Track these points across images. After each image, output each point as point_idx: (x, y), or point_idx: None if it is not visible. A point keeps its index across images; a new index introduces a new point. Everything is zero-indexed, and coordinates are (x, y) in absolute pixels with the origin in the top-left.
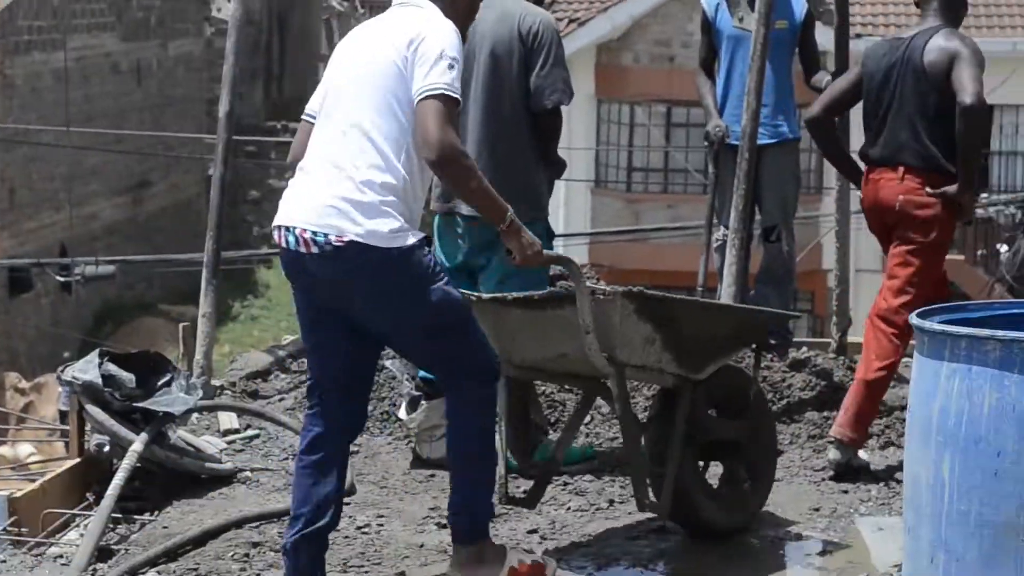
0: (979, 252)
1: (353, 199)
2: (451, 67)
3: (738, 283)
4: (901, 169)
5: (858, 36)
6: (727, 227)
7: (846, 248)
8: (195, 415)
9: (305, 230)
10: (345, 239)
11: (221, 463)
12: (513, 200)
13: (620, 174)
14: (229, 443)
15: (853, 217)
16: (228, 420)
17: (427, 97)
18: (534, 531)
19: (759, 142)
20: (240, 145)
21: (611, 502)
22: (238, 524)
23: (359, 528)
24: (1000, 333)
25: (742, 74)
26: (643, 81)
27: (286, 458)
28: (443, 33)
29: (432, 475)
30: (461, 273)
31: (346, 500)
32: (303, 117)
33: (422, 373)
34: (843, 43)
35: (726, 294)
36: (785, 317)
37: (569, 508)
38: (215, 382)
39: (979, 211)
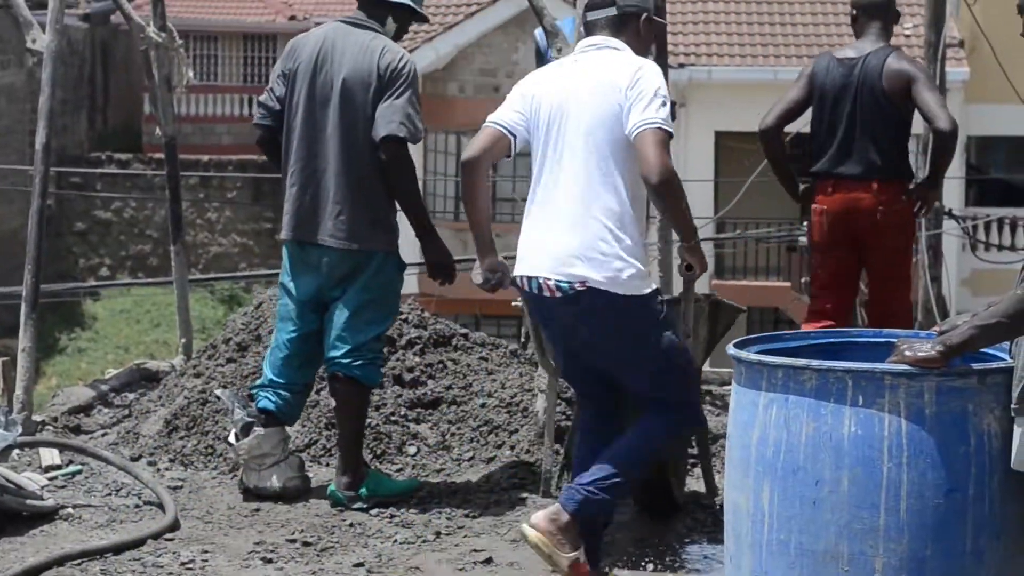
0: (803, 280)
1: (596, 247)
2: (663, 104)
3: None
4: (876, 184)
5: (681, 66)
6: None
7: (668, 277)
8: (15, 451)
9: (549, 279)
10: (587, 285)
11: (42, 500)
12: (373, 229)
13: (448, 203)
14: (51, 479)
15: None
16: (49, 456)
17: (646, 129)
18: (360, 564)
19: None
20: (64, 176)
21: (438, 534)
22: (60, 562)
23: (183, 564)
24: (816, 363)
25: None
26: (469, 111)
27: (109, 494)
28: (655, 74)
29: (257, 509)
30: (309, 304)
31: (169, 536)
32: (492, 124)
33: (261, 404)
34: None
35: None
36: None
37: (396, 540)
38: (36, 417)
39: (801, 239)
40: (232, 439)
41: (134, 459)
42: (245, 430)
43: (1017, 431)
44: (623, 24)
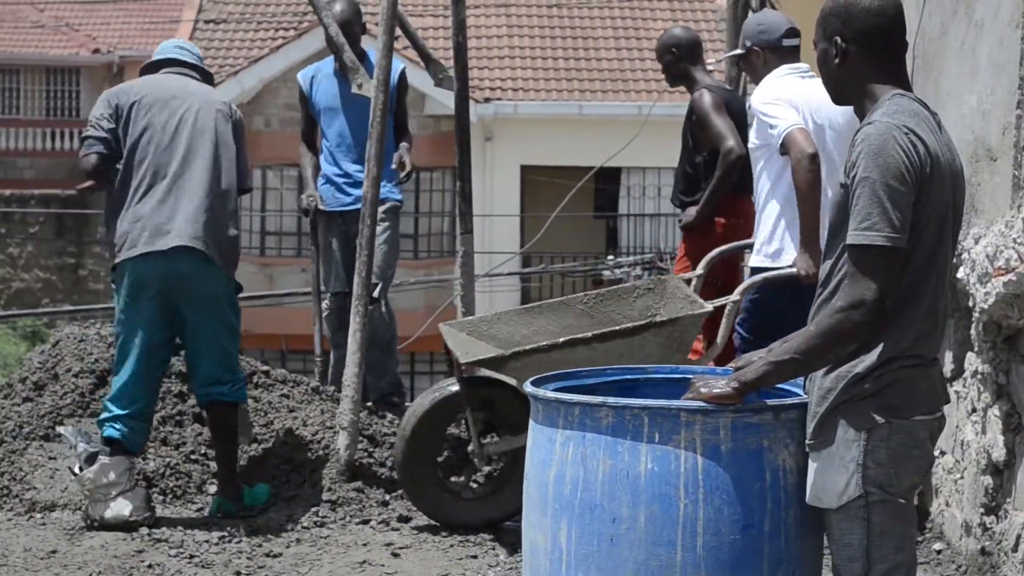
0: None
1: None
2: None
3: (362, 349)
4: None
5: (487, 100)
6: (334, 292)
7: (471, 312)
8: None
9: None
10: None
11: None
12: (230, 256)
13: (254, 239)
14: None
15: (486, 279)
16: None
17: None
18: None
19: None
20: None
21: (238, 574)
22: None
23: None
24: (612, 400)
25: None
26: (274, 144)
27: None
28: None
29: (54, 551)
30: (156, 322)
31: None
32: (796, 124)
33: (107, 433)
34: (463, 108)
35: (352, 360)
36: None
37: None
38: None
39: (606, 273)
40: (76, 470)
41: None
42: (89, 460)
43: (812, 466)
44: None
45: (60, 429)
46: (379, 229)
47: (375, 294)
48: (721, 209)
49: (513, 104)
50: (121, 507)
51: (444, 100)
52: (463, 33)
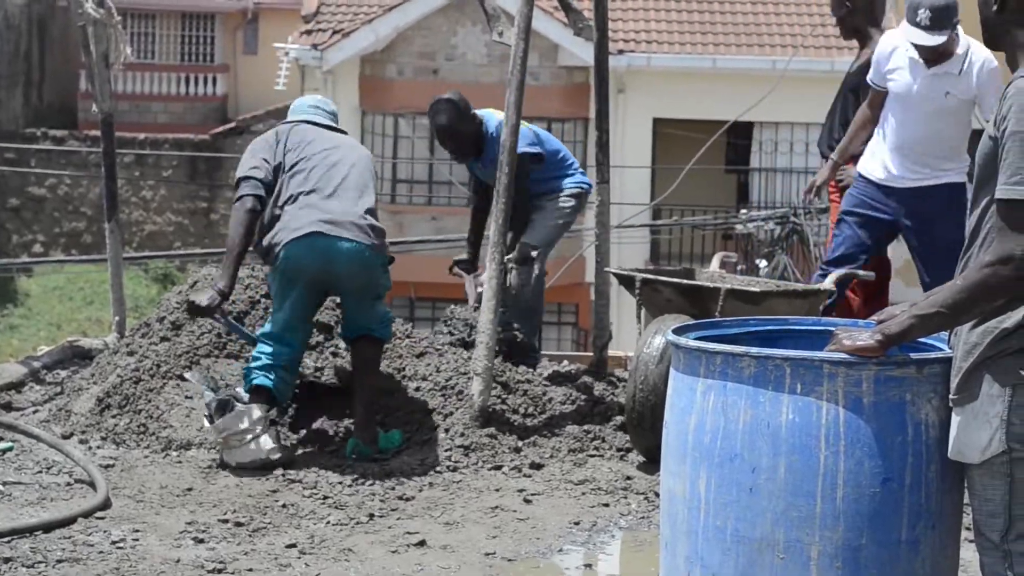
0: (739, 267)
1: None
2: None
3: (497, 297)
4: None
5: (620, 52)
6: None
7: (606, 263)
8: None
9: None
10: None
11: None
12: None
13: (384, 186)
14: None
15: (616, 231)
16: None
17: None
18: (292, 545)
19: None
20: None
21: (371, 516)
22: None
23: (114, 543)
24: (755, 350)
25: None
26: (407, 93)
27: (39, 472)
28: None
29: (189, 489)
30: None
31: (100, 515)
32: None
33: (258, 381)
34: (603, 58)
35: (488, 307)
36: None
37: (328, 522)
38: None
39: (739, 227)
40: (206, 421)
41: (65, 437)
42: (219, 408)
43: (955, 420)
44: None
45: (186, 375)
46: (560, 204)
47: (533, 255)
48: None
49: (646, 56)
50: (256, 451)
51: (577, 51)
52: None
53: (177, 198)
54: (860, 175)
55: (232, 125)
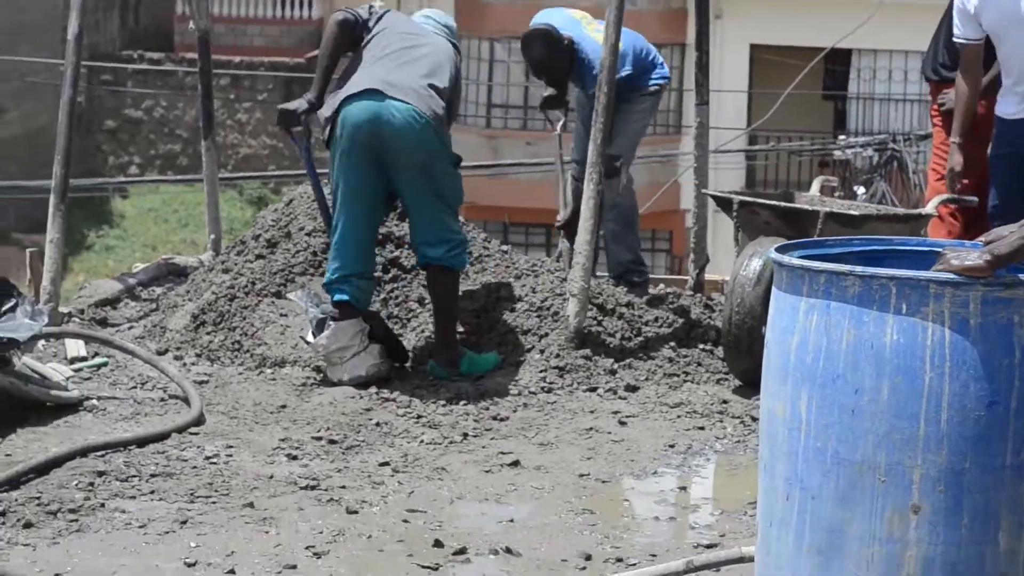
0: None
1: None
2: None
3: (595, 216)
4: None
5: None
6: (577, 162)
7: (704, 186)
8: (41, 342)
9: None
10: None
11: (67, 391)
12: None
13: (480, 110)
14: (76, 371)
15: (711, 156)
16: (75, 347)
17: None
18: (386, 463)
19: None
20: (95, 73)
21: (465, 435)
22: (83, 453)
23: (208, 458)
24: (859, 269)
25: None
26: (503, 17)
27: (134, 387)
28: None
29: (283, 406)
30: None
31: (194, 430)
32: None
33: (337, 296)
34: None
35: (584, 227)
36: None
37: (422, 441)
38: (63, 309)
39: (837, 153)
40: (309, 337)
41: (160, 353)
42: (320, 326)
43: None
44: None
45: (289, 295)
46: (639, 107)
47: (617, 164)
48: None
49: None
50: (358, 367)
51: None
52: None
53: (272, 121)
54: (997, 117)
55: None
